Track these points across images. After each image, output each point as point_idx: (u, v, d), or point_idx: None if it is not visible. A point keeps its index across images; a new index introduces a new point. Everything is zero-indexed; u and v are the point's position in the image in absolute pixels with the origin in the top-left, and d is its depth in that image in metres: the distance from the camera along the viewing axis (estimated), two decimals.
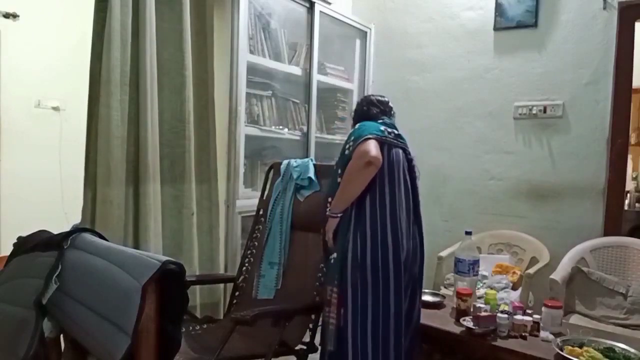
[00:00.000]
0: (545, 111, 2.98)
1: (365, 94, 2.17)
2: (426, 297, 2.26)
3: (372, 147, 1.77)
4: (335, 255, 1.83)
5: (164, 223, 2.22)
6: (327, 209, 1.90)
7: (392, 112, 2.08)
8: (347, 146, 1.86)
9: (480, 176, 3.22)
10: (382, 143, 1.84)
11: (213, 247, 2.46)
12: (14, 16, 3.22)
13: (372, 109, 2.04)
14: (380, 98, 2.08)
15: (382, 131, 1.86)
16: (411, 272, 1.88)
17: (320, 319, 1.94)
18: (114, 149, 2.01)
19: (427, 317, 2.05)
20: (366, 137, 1.81)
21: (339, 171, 1.86)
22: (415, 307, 1.92)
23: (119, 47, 2.00)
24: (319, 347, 1.92)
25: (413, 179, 1.93)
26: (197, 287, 2.35)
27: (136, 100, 2.09)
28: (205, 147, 2.42)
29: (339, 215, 1.86)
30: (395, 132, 1.93)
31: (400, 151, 1.90)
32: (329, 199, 1.90)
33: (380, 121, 1.95)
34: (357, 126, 1.90)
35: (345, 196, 1.83)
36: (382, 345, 1.77)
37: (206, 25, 2.39)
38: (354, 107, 2.17)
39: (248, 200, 2.61)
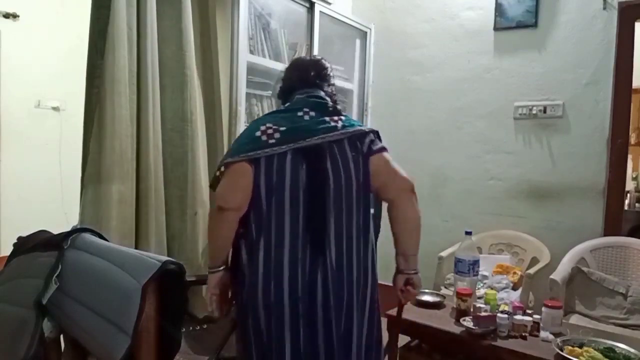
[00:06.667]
0: (545, 111, 2.98)
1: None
2: (426, 297, 2.27)
3: (225, 189, 1.38)
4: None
5: (166, 223, 2.22)
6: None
7: (324, 73, 1.66)
8: None
9: (481, 176, 3.22)
10: (256, 160, 1.38)
11: None
12: (14, 16, 3.22)
13: (287, 80, 1.65)
14: (306, 60, 1.76)
15: (256, 138, 1.40)
16: (323, 320, 1.40)
17: None
18: (125, 149, 2.00)
19: (427, 317, 2.06)
20: (226, 162, 1.40)
21: None
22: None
23: (126, 46, 1.99)
24: None
25: (322, 182, 1.40)
26: (203, 287, 2.34)
27: (138, 100, 2.09)
28: (213, 147, 2.42)
29: (219, 269, 1.47)
30: (300, 120, 1.46)
31: (289, 156, 1.40)
32: None
33: (281, 109, 1.57)
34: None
35: (211, 247, 1.48)
36: None
37: (209, 26, 2.40)
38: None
39: None
